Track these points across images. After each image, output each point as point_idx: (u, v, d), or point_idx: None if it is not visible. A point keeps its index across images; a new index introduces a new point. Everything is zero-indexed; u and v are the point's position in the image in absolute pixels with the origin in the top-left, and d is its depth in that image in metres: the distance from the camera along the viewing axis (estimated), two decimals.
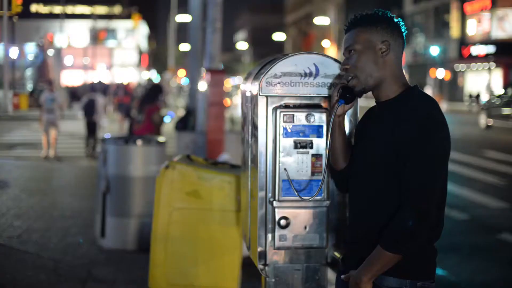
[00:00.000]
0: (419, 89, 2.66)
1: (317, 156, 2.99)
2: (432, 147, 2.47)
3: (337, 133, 2.79)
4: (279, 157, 3.00)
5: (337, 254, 3.13)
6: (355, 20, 2.69)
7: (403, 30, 2.67)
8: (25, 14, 50.20)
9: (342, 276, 2.64)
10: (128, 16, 65.48)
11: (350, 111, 3.02)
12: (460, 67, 43.98)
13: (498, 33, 40.58)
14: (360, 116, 2.94)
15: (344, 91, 2.70)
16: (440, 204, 2.55)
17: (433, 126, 2.49)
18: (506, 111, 23.17)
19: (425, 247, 2.56)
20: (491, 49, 39.85)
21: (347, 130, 2.96)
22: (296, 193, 2.97)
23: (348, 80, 2.67)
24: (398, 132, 2.51)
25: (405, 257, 2.49)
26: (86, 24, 66.73)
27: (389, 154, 2.52)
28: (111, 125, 20.36)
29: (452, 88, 44.87)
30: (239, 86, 8.93)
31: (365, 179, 2.63)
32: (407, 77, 2.82)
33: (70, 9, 67.40)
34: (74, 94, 37.40)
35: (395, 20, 2.67)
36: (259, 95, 3.00)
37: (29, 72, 47.13)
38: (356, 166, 2.71)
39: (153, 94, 10.32)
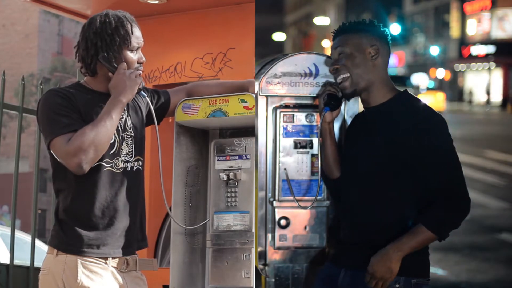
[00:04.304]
0: (410, 93, 2.72)
1: (317, 156, 2.99)
2: (446, 141, 2.57)
3: (329, 141, 2.82)
4: (279, 157, 3.00)
5: None
6: (344, 26, 2.76)
7: (389, 39, 2.74)
8: None
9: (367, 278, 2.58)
10: None
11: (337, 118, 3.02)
12: (460, 67, 43.94)
13: (498, 33, 40.54)
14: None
15: (330, 98, 2.73)
16: None
17: (439, 122, 2.58)
18: None
19: None
20: (491, 49, 39.80)
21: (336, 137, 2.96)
22: (294, 198, 2.98)
23: (341, 81, 2.69)
24: (400, 135, 2.55)
25: None
26: None
27: (393, 158, 2.56)
28: None
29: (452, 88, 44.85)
30: None
31: (365, 185, 2.65)
32: None
33: None
34: None
35: (382, 28, 2.74)
36: (259, 95, 3.01)
37: None
38: (352, 173, 2.72)
39: None
